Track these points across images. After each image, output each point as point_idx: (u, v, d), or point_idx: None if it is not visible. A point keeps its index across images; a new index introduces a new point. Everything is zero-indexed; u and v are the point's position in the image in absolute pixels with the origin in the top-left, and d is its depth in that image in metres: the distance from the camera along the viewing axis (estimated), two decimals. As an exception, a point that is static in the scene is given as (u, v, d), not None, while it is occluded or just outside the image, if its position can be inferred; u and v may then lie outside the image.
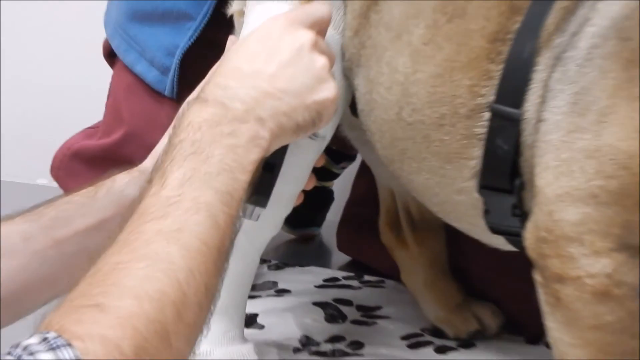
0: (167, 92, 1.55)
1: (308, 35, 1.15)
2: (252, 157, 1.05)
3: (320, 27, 1.21)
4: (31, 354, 0.76)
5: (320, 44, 1.17)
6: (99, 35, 1.72)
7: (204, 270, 0.92)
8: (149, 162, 1.31)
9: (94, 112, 1.68)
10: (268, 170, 1.11)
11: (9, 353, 0.76)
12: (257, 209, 1.13)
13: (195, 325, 0.91)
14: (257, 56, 1.13)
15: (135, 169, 1.30)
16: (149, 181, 1.00)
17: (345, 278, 1.71)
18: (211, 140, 1.02)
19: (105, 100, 1.68)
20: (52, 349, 0.76)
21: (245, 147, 1.05)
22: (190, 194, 0.96)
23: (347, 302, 1.62)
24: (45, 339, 0.77)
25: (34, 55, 2.26)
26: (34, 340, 0.77)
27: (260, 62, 1.11)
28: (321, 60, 1.15)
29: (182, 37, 1.55)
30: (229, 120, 1.05)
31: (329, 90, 1.15)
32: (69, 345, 0.77)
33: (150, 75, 1.57)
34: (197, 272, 0.91)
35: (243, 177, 1.03)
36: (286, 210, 1.36)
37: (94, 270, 0.88)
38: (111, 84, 1.66)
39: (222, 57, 1.16)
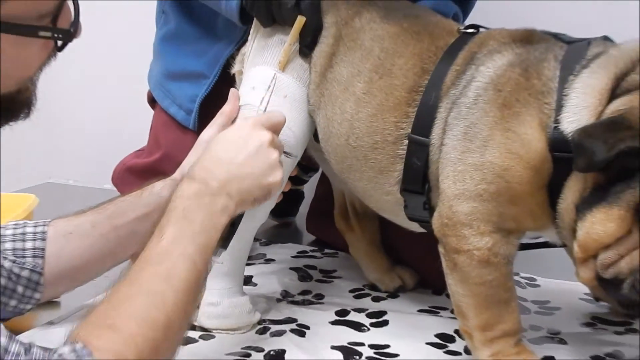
0: (191, 127, 1.53)
1: (267, 136, 1.17)
2: (223, 220, 1.09)
3: (276, 129, 1.22)
4: (61, 356, 0.82)
5: (275, 141, 1.19)
6: (145, 87, 1.71)
7: (185, 301, 0.96)
8: (177, 174, 1.30)
9: (141, 138, 1.67)
10: (231, 226, 1.14)
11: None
12: (221, 249, 1.17)
13: (177, 340, 0.96)
14: (231, 148, 1.15)
15: (168, 178, 1.30)
16: (152, 233, 1.02)
17: (311, 251, 1.69)
18: (196, 209, 1.06)
19: (148, 130, 1.67)
20: (80, 357, 0.82)
21: (218, 214, 1.08)
22: (179, 248, 1.00)
23: (313, 267, 1.61)
24: (74, 350, 0.82)
25: (107, 98, 2.23)
26: (66, 349, 0.82)
27: (233, 152, 1.14)
28: (275, 154, 1.17)
29: (200, 89, 1.52)
30: (208, 194, 1.08)
31: (278, 176, 1.18)
32: (91, 355, 0.82)
33: (179, 115, 1.55)
34: (180, 304, 0.95)
35: (216, 235, 1.07)
36: (271, 207, 1.36)
37: (110, 295, 0.92)
38: (152, 120, 1.65)
39: (208, 146, 1.18)
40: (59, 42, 0.97)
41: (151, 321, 0.90)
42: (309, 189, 1.79)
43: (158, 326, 0.91)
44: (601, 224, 1.02)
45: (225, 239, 1.16)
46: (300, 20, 1.31)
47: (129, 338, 0.87)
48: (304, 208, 1.86)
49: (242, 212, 1.20)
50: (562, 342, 1.30)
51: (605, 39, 1.16)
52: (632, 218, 1.00)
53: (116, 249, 1.26)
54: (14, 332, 1.21)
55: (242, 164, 1.14)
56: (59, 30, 0.94)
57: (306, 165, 1.49)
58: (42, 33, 0.92)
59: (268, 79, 1.33)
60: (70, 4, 0.97)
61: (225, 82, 1.45)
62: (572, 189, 1.06)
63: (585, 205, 1.04)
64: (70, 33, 0.97)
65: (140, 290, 0.93)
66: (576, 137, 1.02)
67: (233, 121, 1.31)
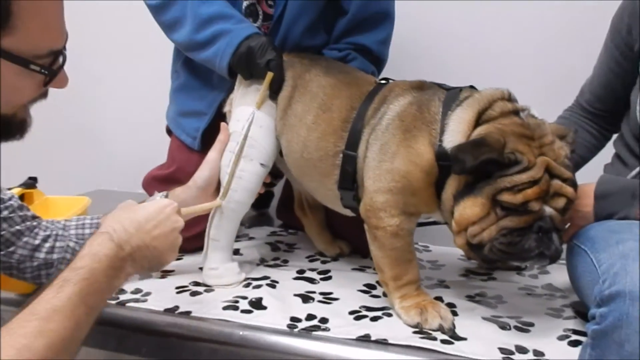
0: (196, 149, 1.49)
1: (181, 223, 1.02)
2: (120, 284, 0.92)
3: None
4: None
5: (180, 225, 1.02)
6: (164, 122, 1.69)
7: (53, 350, 0.76)
8: (191, 182, 1.29)
9: (162, 156, 1.65)
10: None
11: None
12: None
13: None
14: (151, 221, 0.96)
15: (185, 185, 1.29)
16: (51, 283, 0.83)
17: (280, 231, 1.66)
18: (102, 273, 0.86)
19: (167, 151, 1.65)
20: None
21: (120, 279, 0.91)
22: (70, 309, 0.80)
23: (281, 242, 1.60)
24: None
25: (142, 128, 2.19)
26: None
27: (151, 225, 0.96)
28: (179, 240, 1.01)
29: (202, 123, 1.49)
30: (120, 259, 0.90)
31: (173, 257, 1.01)
32: None
33: (188, 141, 1.52)
34: (48, 352, 0.76)
35: (109, 296, 0.90)
36: (252, 200, 1.34)
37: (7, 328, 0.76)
38: (170, 144, 1.62)
39: (135, 208, 0.99)
40: (46, 80, 0.89)
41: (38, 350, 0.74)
42: (277, 189, 1.79)
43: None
44: (470, 208, 1.03)
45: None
46: (270, 75, 1.31)
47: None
48: (275, 202, 1.85)
49: None
50: (447, 287, 1.31)
51: (472, 87, 1.18)
52: (490, 204, 1.02)
53: None
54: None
55: (155, 237, 0.96)
56: (45, 67, 0.87)
57: (275, 173, 1.48)
58: (32, 67, 0.85)
59: (249, 114, 1.32)
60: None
61: (219, 118, 1.44)
62: (451, 185, 1.07)
63: (459, 195, 1.05)
64: (53, 71, 0.88)
65: (15, 348, 0.74)
66: (453, 151, 1.04)
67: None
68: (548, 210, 1.01)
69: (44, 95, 0.95)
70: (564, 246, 1.13)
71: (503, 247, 1.01)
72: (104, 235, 0.91)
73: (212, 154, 1.32)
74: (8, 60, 0.82)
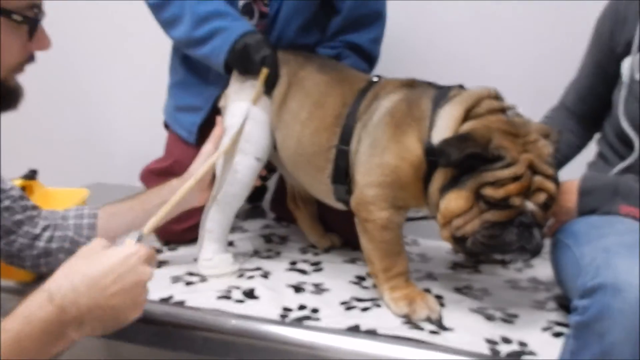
0: (192, 142, 1.49)
1: (147, 275, 0.82)
2: (58, 351, 0.74)
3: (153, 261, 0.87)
4: None
5: (149, 275, 0.84)
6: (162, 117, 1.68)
7: None
8: (186, 175, 1.27)
9: (160, 150, 1.64)
10: None
11: None
12: None
13: None
14: (109, 275, 0.76)
15: (180, 177, 1.27)
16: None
17: (273, 224, 1.67)
18: (33, 339, 0.70)
19: (164, 145, 1.65)
20: None
21: (55, 347, 0.73)
22: None
23: (274, 234, 1.58)
24: None
25: (141, 124, 2.18)
26: None
27: (109, 281, 0.76)
28: (145, 294, 0.82)
29: (198, 118, 1.48)
30: (60, 324, 0.72)
31: (137, 313, 0.81)
32: None
33: (184, 135, 1.51)
34: None
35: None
36: (246, 194, 1.34)
37: None
38: (167, 138, 1.62)
39: (95, 257, 0.78)
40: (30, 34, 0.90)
41: None
42: (271, 183, 1.78)
43: None
44: (454, 201, 1.03)
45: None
46: (265, 71, 1.30)
47: None
48: (268, 196, 1.84)
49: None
50: (435, 279, 1.31)
51: (460, 86, 1.17)
52: (473, 198, 1.01)
53: (143, 223, 1.22)
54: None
55: (113, 295, 0.76)
56: (27, 17, 0.88)
57: (269, 167, 1.47)
58: (14, 16, 0.86)
59: (244, 110, 1.31)
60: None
61: (215, 113, 1.43)
62: (437, 179, 1.07)
63: (444, 189, 1.05)
64: (34, 21, 0.89)
65: None
66: (440, 145, 1.04)
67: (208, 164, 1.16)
68: (530, 205, 1.01)
69: (31, 58, 0.95)
70: (548, 240, 1.14)
71: (485, 240, 1.01)
72: (43, 295, 0.73)
73: (207, 146, 1.30)
74: None
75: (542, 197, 1.01)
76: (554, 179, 1.03)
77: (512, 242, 1.00)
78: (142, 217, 1.16)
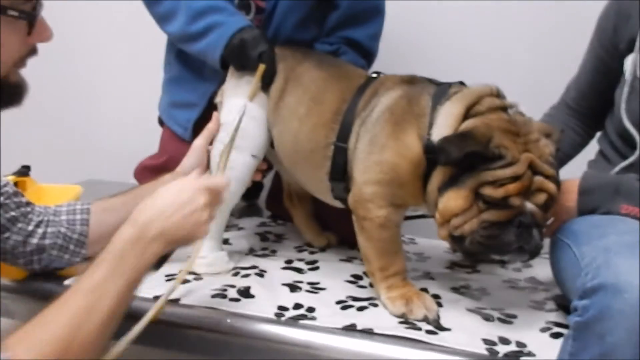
0: (187, 139, 1.48)
1: (203, 200, 0.97)
2: (150, 262, 0.91)
3: (218, 190, 1.01)
4: None
5: (211, 204, 0.99)
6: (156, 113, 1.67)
7: (101, 331, 0.82)
8: (178, 169, 1.26)
9: (154, 147, 1.63)
10: (162, 258, 0.99)
11: None
12: (153, 270, 1.04)
13: (91, 341, 0.81)
14: (171, 206, 0.94)
15: (172, 172, 1.26)
16: (91, 263, 0.87)
17: (269, 222, 1.67)
18: (130, 251, 0.88)
19: (159, 141, 1.64)
20: None
21: (148, 257, 0.90)
22: (108, 284, 0.84)
23: (269, 232, 1.57)
24: None
25: (134, 120, 2.16)
26: None
27: (171, 210, 0.93)
28: (204, 216, 0.97)
29: (194, 114, 1.48)
30: (145, 240, 0.90)
31: (201, 233, 0.98)
32: (6, 354, 0.72)
33: (179, 131, 1.51)
34: (96, 333, 0.81)
35: (143, 272, 0.90)
36: (242, 191, 1.34)
37: (42, 313, 0.80)
38: (161, 135, 1.61)
39: (157, 193, 0.97)
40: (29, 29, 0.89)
41: (65, 347, 0.77)
42: (267, 181, 1.77)
43: (72, 349, 0.77)
44: (453, 200, 1.02)
45: (156, 266, 1.03)
46: (262, 67, 1.29)
47: (45, 357, 0.74)
48: (264, 193, 1.84)
49: (170, 252, 1.04)
50: (432, 279, 1.30)
51: (461, 83, 1.17)
52: (472, 197, 1.00)
53: None
54: (67, 277, 1.18)
55: (179, 219, 0.94)
56: (24, 12, 0.87)
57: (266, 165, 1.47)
58: (10, 12, 0.85)
59: (241, 106, 1.30)
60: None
61: (211, 109, 1.42)
62: (436, 178, 1.06)
63: (443, 187, 1.04)
64: (32, 15, 0.88)
65: (64, 318, 0.79)
66: (439, 143, 1.03)
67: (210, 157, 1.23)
68: (529, 206, 1.00)
69: (33, 51, 0.93)
70: (547, 240, 1.13)
71: (483, 239, 1.00)
72: (128, 224, 0.92)
73: (198, 141, 1.29)
74: None
75: (542, 197, 1.00)
76: (555, 180, 1.02)
77: (511, 242, 0.99)
78: None
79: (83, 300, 0.82)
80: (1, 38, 0.86)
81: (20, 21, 0.88)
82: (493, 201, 0.99)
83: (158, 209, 0.94)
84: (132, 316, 0.95)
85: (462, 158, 0.98)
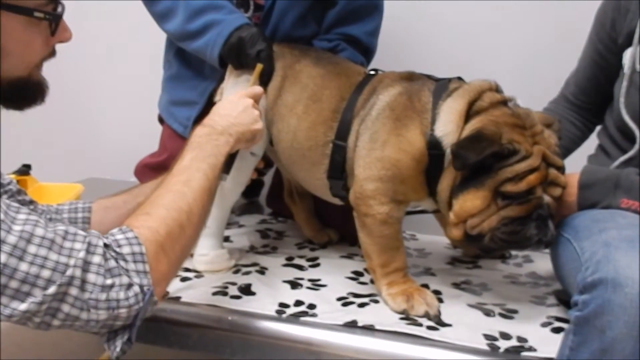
0: (187, 137, 1.51)
1: (249, 101, 1.14)
2: (226, 149, 1.04)
3: (257, 97, 1.19)
4: (112, 234, 0.82)
5: (255, 105, 1.16)
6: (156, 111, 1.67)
7: (200, 199, 0.93)
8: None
9: (154, 145, 1.63)
10: (230, 157, 1.11)
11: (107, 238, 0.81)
12: (224, 175, 1.14)
13: (198, 226, 0.92)
14: (228, 108, 1.12)
15: None
16: (177, 158, 1.00)
17: (269, 219, 1.66)
18: (206, 142, 1.02)
19: (159, 140, 1.64)
20: (124, 233, 0.82)
21: (222, 146, 1.04)
22: (195, 165, 0.97)
23: (270, 230, 1.58)
24: (121, 231, 0.82)
25: (135, 118, 2.15)
26: (115, 230, 0.82)
27: (229, 110, 1.11)
28: (256, 112, 1.14)
29: (193, 112, 1.48)
30: (215, 133, 1.04)
31: (259, 125, 1.14)
32: (132, 233, 0.82)
33: (179, 129, 1.51)
34: (198, 199, 0.92)
35: (221, 158, 1.02)
36: (242, 188, 1.34)
37: (150, 197, 0.91)
38: (161, 133, 1.61)
39: (214, 107, 1.15)
40: (52, 29, 0.92)
41: (177, 209, 0.88)
42: (268, 178, 1.78)
43: (182, 212, 0.88)
44: (471, 201, 1.03)
45: (227, 167, 1.14)
46: (259, 66, 1.29)
47: (160, 219, 0.85)
48: (265, 191, 1.84)
49: (237, 151, 1.18)
50: (433, 275, 1.30)
51: (459, 78, 1.16)
52: (491, 196, 1.01)
53: None
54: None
55: (236, 117, 1.10)
56: (48, 13, 0.89)
57: (265, 162, 1.46)
58: (36, 14, 0.87)
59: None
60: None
61: (210, 107, 1.40)
62: (447, 178, 1.07)
63: (458, 189, 1.05)
64: (56, 16, 0.91)
65: (168, 190, 0.91)
66: (454, 149, 1.03)
67: None
68: (546, 198, 1.02)
69: (53, 53, 0.96)
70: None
71: (505, 236, 1.01)
72: (199, 126, 1.07)
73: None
74: (13, 12, 0.84)
75: (557, 190, 1.03)
76: (564, 170, 1.05)
77: (532, 236, 1.01)
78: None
79: (180, 176, 0.94)
80: (25, 39, 0.88)
81: (44, 22, 0.90)
82: (516, 196, 1.00)
83: (220, 113, 1.11)
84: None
85: (481, 161, 0.99)
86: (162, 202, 0.89)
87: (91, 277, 0.76)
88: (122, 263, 0.79)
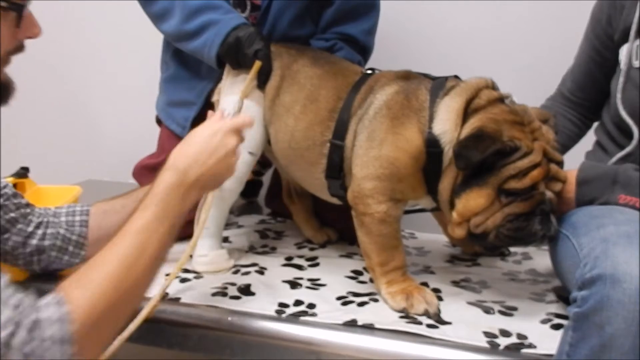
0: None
1: (233, 143, 1.01)
2: (189, 206, 0.95)
3: (244, 127, 1.05)
4: (46, 306, 0.74)
5: (237, 146, 1.03)
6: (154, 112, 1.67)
7: (149, 270, 0.85)
8: None
9: (152, 146, 1.63)
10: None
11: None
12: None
13: (142, 295, 0.86)
14: (207, 150, 0.98)
15: None
16: (135, 209, 0.90)
17: (268, 219, 1.66)
18: (173, 197, 0.91)
19: (157, 140, 1.64)
20: (57, 304, 0.74)
21: (188, 202, 0.94)
22: (154, 227, 0.87)
23: (269, 230, 1.58)
24: (56, 300, 0.74)
25: (132, 120, 2.16)
26: (50, 297, 0.75)
27: (208, 154, 0.97)
28: (234, 158, 1.02)
29: (191, 112, 1.48)
30: (185, 186, 0.93)
31: (231, 174, 1.03)
32: (65, 306, 0.74)
33: (177, 130, 1.50)
34: (146, 272, 0.84)
35: (182, 217, 0.93)
36: (240, 189, 1.34)
37: (94, 257, 0.82)
38: (159, 134, 1.61)
39: (191, 139, 1.00)
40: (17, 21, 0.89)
41: (119, 284, 0.80)
42: (266, 178, 1.78)
43: (123, 288, 0.80)
44: (474, 200, 1.03)
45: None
46: (257, 65, 1.29)
47: (98, 296, 0.77)
48: (263, 191, 1.84)
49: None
50: (432, 273, 1.31)
51: (456, 77, 1.17)
52: (495, 194, 1.02)
53: None
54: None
55: (213, 166, 0.98)
56: (13, 3, 0.87)
57: (264, 162, 1.47)
58: (2, 3, 0.86)
59: (236, 103, 1.30)
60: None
61: (208, 107, 1.42)
62: (448, 177, 1.07)
63: (460, 187, 1.05)
64: (20, 6, 0.88)
65: (115, 259, 0.82)
66: (456, 149, 1.03)
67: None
68: (548, 193, 1.03)
69: (20, 47, 0.93)
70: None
71: (510, 232, 1.02)
72: (169, 170, 0.96)
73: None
74: None
75: (558, 186, 1.04)
76: (563, 165, 1.05)
77: (537, 231, 1.02)
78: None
79: (133, 240, 0.84)
80: None
81: (9, 13, 0.88)
82: (519, 192, 1.00)
83: (194, 155, 0.97)
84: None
85: (484, 160, 0.99)
86: (106, 273, 0.80)
87: (9, 356, 0.70)
88: (46, 345, 0.71)
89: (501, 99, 1.08)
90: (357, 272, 1.29)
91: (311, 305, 1.12)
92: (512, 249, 1.43)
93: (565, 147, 1.34)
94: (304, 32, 1.47)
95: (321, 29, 1.49)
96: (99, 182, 2.09)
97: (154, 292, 1.10)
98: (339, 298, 1.16)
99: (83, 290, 0.77)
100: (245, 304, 1.12)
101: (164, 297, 1.14)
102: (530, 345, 0.98)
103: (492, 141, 0.99)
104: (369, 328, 1.03)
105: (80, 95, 2.32)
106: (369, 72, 1.27)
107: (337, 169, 1.20)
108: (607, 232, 0.91)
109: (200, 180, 0.96)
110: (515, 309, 1.11)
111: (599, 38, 1.26)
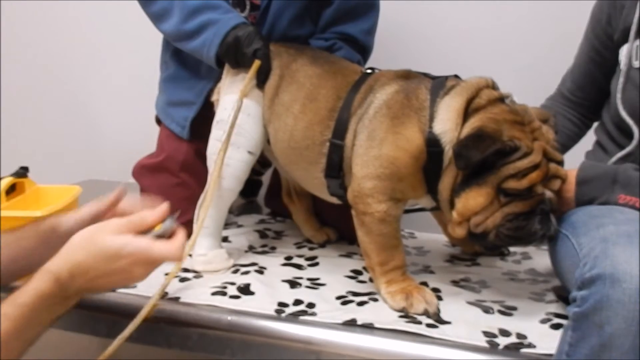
0: (184, 137, 1.49)
1: (142, 274, 0.85)
2: (59, 315, 0.83)
3: (161, 263, 0.87)
4: None
5: (148, 275, 0.86)
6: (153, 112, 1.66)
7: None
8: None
9: (152, 145, 1.62)
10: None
11: None
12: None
13: None
14: (101, 268, 0.82)
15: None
16: (6, 299, 0.77)
17: (268, 219, 1.66)
18: (45, 308, 0.79)
19: (156, 140, 1.63)
20: None
21: (59, 312, 0.82)
22: (15, 340, 0.75)
23: (269, 229, 1.58)
24: None
25: (132, 120, 2.17)
26: None
27: (100, 273, 0.82)
28: (139, 271, 0.85)
29: (191, 112, 1.47)
30: (61, 297, 0.80)
31: (129, 284, 0.90)
32: None
33: (177, 130, 1.50)
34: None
35: (48, 326, 0.82)
36: (240, 188, 1.34)
37: None
38: (159, 133, 1.61)
39: (88, 244, 0.82)
40: None
41: None
42: (266, 178, 1.78)
43: None
44: (474, 199, 1.03)
45: None
46: (257, 64, 1.29)
47: None
48: (263, 190, 1.84)
49: None
50: (432, 272, 1.31)
51: (456, 76, 1.17)
52: (494, 193, 1.02)
53: None
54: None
55: (101, 285, 0.84)
56: None
57: (263, 162, 1.47)
58: None
59: (235, 102, 1.30)
60: None
61: (208, 107, 1.43)
62: (448, 176, 1.07)
63: (460, 187, 1.05)
64: None
65: None
66: (456, 149, 1.03)
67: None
68: (547, 193, 1.03)
69: None
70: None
71: (510, 232, 1.02)
72: (46, 279, 0.81)
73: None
74: None
75: (557, 183, 1.04)
76: (563, 164, 1.05)
77: (537, 230, 1.02)
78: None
79: None
80: None
81: None
82: (517, 193, 1.00)
83: (84, 267, 0.82)
84: (126, 315, 0.94)
85: (485, 159, 0.99)
86: None
87: None
88: None
89: (501, 99, 1.08)
90: (357, 272, 1.29)
91: (311, 305, 1.12)
92: (512, 249, 1.43)
93: (565, 147, 1.34)
94: (304, 32, 1.47)
95: (320, 28, 1.49)
96: (99, 182, 2.08)
97: (153, 291, 1.11)
98: (338, 297, 1.16)
99: None
100: (245, 304, 1.12)
101: (163, 297, 1.14)
102: (530, 345, 0.98)
103: (492, 141, 0.99)
104: (368, 327, 1.03)
105: (80, 95, 2.32)
106: (369, 71, 1.27)
107: (336, 168, 1.20)
108: (607, 231, 0.91)
109: (82, 291, 0.83)
110: (514, 308, 1.11)
111: (599, 38, 1.26)
